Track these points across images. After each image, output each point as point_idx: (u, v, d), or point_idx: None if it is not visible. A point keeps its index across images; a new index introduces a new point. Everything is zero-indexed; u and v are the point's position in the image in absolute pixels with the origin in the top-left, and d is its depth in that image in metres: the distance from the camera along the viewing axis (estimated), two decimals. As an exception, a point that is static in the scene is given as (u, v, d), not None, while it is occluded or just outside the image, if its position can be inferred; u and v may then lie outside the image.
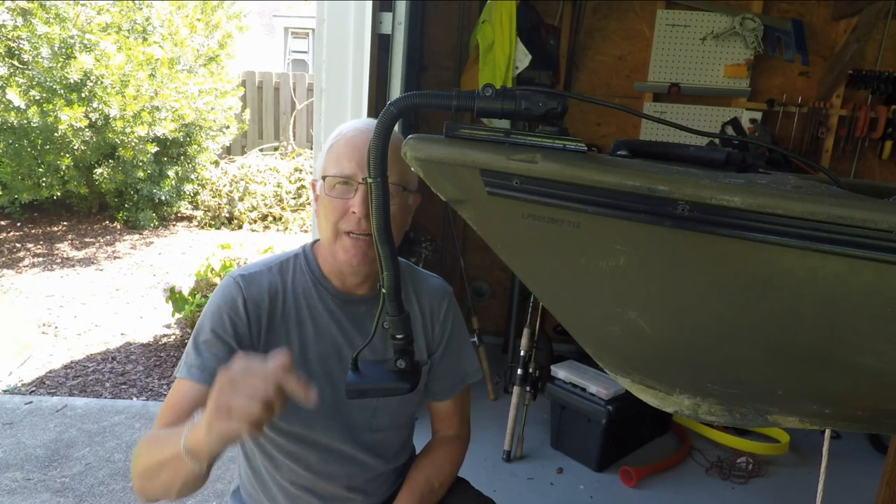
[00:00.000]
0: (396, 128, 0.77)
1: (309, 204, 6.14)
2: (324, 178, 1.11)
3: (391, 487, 1.31)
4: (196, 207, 6.43)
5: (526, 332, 2.61)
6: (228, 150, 7.29)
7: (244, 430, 0.77)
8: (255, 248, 4.96)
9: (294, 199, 6.41)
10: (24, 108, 4.77)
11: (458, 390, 1.33)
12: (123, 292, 4.45)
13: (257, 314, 1.12)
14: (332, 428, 1.18)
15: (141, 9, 5.48)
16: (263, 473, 1.23)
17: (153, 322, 3.94)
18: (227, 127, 6.41)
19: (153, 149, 5.49)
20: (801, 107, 3.27)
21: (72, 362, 3.36)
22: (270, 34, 11.36)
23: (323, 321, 1.17)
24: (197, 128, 5.98)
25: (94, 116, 5.00)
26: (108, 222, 6.02)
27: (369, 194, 0.77)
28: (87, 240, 5.56)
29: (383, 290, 0.85)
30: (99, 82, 4.99)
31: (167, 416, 1.07)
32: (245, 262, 4.12)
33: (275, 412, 0.78)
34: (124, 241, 5.62)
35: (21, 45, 4.90)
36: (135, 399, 3.02)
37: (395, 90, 2.28)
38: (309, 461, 1.20)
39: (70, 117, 4.77)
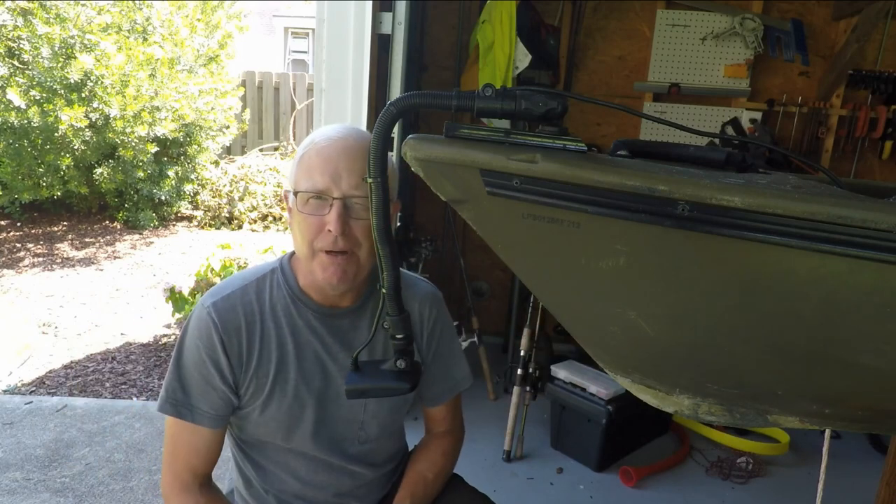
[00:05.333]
0: (397, 130, 0.77)
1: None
2: (296, 193, 1.05)
3: (382, 491, 1.31)
4: (196, 207, 6.43)
5: (526, 332, 2.61)
6: (228, 150, 7.29)
7: None
8: (255, 248, 4.96)
9: (294, 199, 6.40)
10: (24, 108, 4.77)
11: (449, 398, 1.32)
12: (123, 292, 4.45)
13: (235, 345, 1.10)
14: (320, 443, 1.18)
15: (141, 9, 5.48)
16: (255, 483, 1.23)
17: (153, 322, 3.94)
18: (227, 127, 6.41)
19: (153, 149, 5.49)
20: (801, 107, 3.27)
21: (72, 362, 3.36)
22: (270, 34, 11.36)
23: (304, 338, 1.14)
24: (197, 128, 5.98)
25: (94, 116, 5.00)
26: (108, 222, 6.01)
27: (369, 194, 0.77)
28: (87, 240, 5.56)
29: (383, 290, 0.85)
30: (99, 82, 4.99)
31: (182, 467, 1.12)
32: (245, 263, 4.13)
33: None
34: (124, 241, 5.62)
35: (21, 45, 4.89)
36: (135, 399, 3.02)
37: (395, 90, 2.28)
38: (297, 471, 1.20)
39: (70, 117, 4.77)
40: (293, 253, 1.18)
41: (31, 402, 2.81)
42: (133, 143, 5.27)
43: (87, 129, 4.97)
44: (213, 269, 3.85)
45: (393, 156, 1.02)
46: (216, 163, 6.63)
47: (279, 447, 1.18)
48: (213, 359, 1.09)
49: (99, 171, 5.34)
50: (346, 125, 1.14)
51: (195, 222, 6.28)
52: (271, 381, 1.12)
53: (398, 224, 2.78)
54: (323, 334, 1.15)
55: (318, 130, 1.10)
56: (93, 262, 5.03)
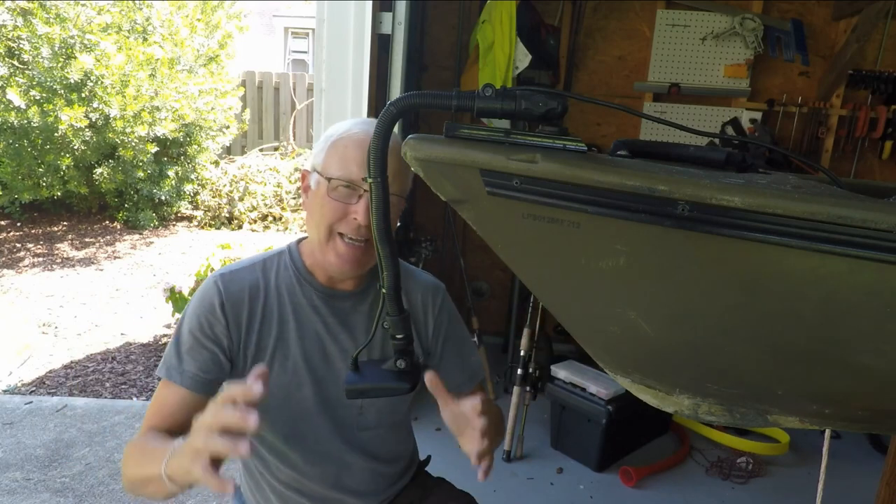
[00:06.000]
0: (397, 130, 0.77)
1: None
2: (328, 179, 1.07)
3: (387, 490, 1.30)
4: (196, 207, 6.43)
5: (526, 332, 2.61)
6: (228, 150, 7.29)
7: (201, 468, 0.79)
8: (255, 248, 4.96)
9: (294, 199, 6.41)
10: (24, 108, 4.77)
11: (471, 387, 1.29)
12: (123, 292, 4.45)
13: (236, 314, 1.11)
14: (318, 427, 1.17)
15: (141, 9, 5.48)
16: (256, 473, 1.23)
17: (153, 322, 3.94)
18: (227, 127, 6.42)
19: (153, 149, 5.50)
20: (801, 107, 3.27)
21: (72, 362, 3.36)
22: (270, 34, 11.36)
23: (306, 317, 1.16)
24: (197, 128, 5.98)
25: (94, 116, 5.00)
26: (108, 222, 6.02)
27: (369, 194, 0.77)
28: (87, 240, 5.56)
29: (383, 290, 0.85)
30: (99, 82, 4.99)
31: (153, 418, 1.10)
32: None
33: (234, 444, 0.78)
34: (124, 241, 5.63)
35: (21, 45, 4.90)
36: (135, 399, 3.02)
37: (395, 90, 2.28)
38: (295, 461, 1.19)
39: (70, 117, 4.77)
40: (301, 238, 1.20)
41: (31, 402, 2.81)
42: (133, 143, 5.27)
43: (87, 129, 4.98)
44: (213, 269, 3.85)
45: (406, 148, 1.00)
46: (216, 163, 6.63)
47: (279, 433, 1.17)
48: (210, 321, 1.10)
49: (99, 171, 5.34)
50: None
51: (195, 222, 6.28)
52: (269, 355, 1.13)
53: (398, 223, 2.78)
54: (325, 314, 1.16)
55: (352, 121, 1.13)
56: (93, 262, 5.03)
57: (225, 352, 1.11)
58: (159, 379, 1.13)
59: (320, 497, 1.22)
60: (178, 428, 1.07)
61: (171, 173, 5.84)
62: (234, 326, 1.11)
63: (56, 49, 4.86)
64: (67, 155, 5.09)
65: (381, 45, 2.27)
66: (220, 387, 1.13)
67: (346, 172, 1.06)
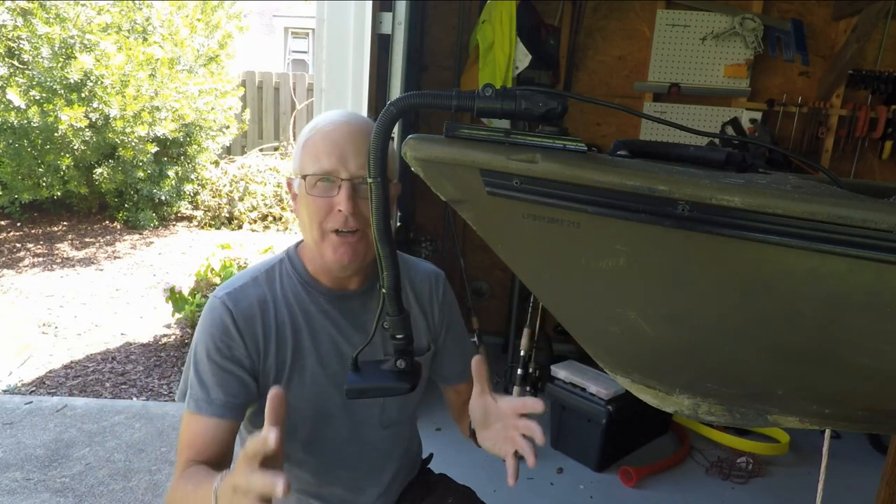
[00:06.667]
0: (397, 129, 0.76)
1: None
2: (304, 176, 1.07)
3: (399, 489, 1.31)
4: (196, 207, 6.43)
5: (526, 332, 2.61)
6: (228, 150, 7.29)
7: None
8: (255, 248, 4.96)
9: (294, 199, 6.41)
10: (24, 108, 4.77)
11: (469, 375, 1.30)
12: (123, 292, 4.45)
13: (251, 330, 1.09)
14: (339, 430, 1.18)
15: (141, 9, 5.48)
16: None
17: (153, 322, 3.94)
18: (227, 127, 6.41)
19: (153, 149, 5.49)
20: (801, 107, 3.27)
21: (72, 362, 3.36)
22: (270, 34, 11.36)
23: (318, 323, 1.15)
24: (197, 128, 5.98)
25: (94, 116, 5.00)
26: (108, 222, 6.02)
27: (369, 194, 0.77)
28: (87, 240, 5.56)
29: (383, 290, 0.85)
30: (99, 82, 4.99)
31: (188, 452, 1.06)
32: (245, 263, 4.13)
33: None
34: (124, 241, 5.62)
35: (21, 45, 4.89)
36: (135, 399, 3.02)
37: (395, 90, 2.28)
38: (314, 467, 1.19)
39: (70, 117, 4.77)
40: (299, 242, 1.19)
41: (31, 402, 2.81)
42: (133, 143, 5.27)
43: (87, 129, 4.97)
44: (213, 269, 3.85)
45: (395, 141, 1.00)
46: (216, 163, 6.63)
47: (299, 441, 1.17)
48: (227, 343, 1.07)
49: (99, 171, 5.34)
50: (346, 111, 1.15)
51: (195, 222, 6.28)
52: (289, 368, 1.12)
53: (398, 212, 2.78)
54: (336, 317, 1.16)
55: (319, 117, 1.12)
56: (93, 262, 5.03)
57: (248, 372, 1.09)
58: (174, 400, 1.11)
59: (338, 499, 1.23)
60: (214, 458, 1.05)
61: (171, 173, 5.84)
62: (252, 344, 1.09)
63: (56, 49, 4.86)
64: (67, 155, 5.09)
65: (381, 45, 2.27)
66: (248, 407, 1.11)
67: (319, 166, 1.05)
